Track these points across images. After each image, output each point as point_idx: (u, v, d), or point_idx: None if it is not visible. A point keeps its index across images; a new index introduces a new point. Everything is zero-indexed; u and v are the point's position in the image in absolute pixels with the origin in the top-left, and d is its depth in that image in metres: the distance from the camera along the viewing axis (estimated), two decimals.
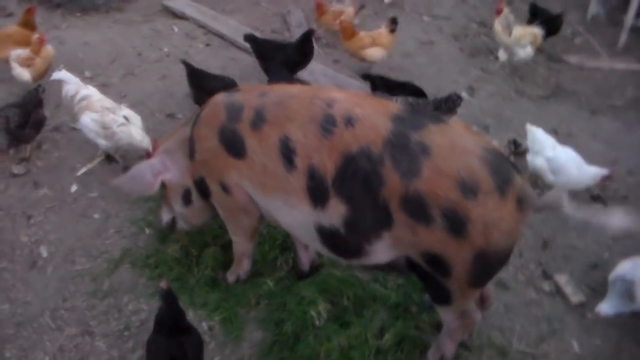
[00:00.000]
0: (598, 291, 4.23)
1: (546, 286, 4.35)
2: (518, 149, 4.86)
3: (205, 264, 4.12)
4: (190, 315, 3.91)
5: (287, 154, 3.08)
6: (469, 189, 2.71)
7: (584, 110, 6.32)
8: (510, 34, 6.81)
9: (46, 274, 4.24)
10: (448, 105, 5.15)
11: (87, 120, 4.86)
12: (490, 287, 3.54)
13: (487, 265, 2.89)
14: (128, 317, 3.95)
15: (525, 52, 6.78)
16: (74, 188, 4.95)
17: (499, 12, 7.00)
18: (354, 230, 3.04)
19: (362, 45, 6.51)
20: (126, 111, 4.99)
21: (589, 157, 5.08)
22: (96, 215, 4.71)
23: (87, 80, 6.27)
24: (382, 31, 6.58)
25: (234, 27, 7.24)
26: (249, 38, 6.15)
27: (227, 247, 4.21)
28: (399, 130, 2.86)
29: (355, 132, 2.92)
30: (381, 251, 3.06)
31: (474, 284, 3.02)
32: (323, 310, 3.77)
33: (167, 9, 7.82)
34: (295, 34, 7.18)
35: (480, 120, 6.06)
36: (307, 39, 5.96)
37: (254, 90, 3.43)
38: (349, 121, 2.94)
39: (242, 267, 4.06)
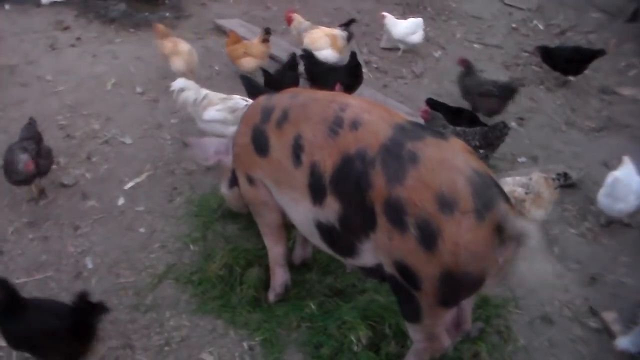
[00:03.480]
0: None
1: (592, 323, 4.24)
2: (568, 181, 4.78)
3: (249, 284, 4.10)
4: (231, 334, 3.93)
5: (297, 151, 3.22)
6: (446, 204, 2.69)
7: (637, 144, 6.18)
8: (302, 39, 6.88)
9: (90, 285, 4.27)
10: (495, 134, 5.09)
11: (213, 113, 5.19)
12: (467, 312, 3.47)
13: (454, 285, 2.84)
14: (169, 333, 3.95)
15: (324, 55, 6.67)
16: (121, 201, 5.01)
17: (289, 21, 7.10)
18: (347, 228, 3.11)
19: (237, 55, 6.73)
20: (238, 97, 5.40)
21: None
22: (142, 230, 4.75)
23: (137, 95, 6.41)
24: (255, 42, 6.74)
25: (284, 48, 7.27)
26: (303, 57, 6.18)
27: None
28: (396, 138, 2.91)
29: (357, 135, 3.01)
30: (368, 253, 3.11)
31: (442, 302, 2.98)
32: (363, 336, 3.71)
33: (219, 28, 7.90)
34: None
35: (529, 151, 5.99)
36: (356, 62, 5.97)
37: (289, 92, 3.59)
38: (354, 125, 3.04)
39: (276, 278, 4.08)
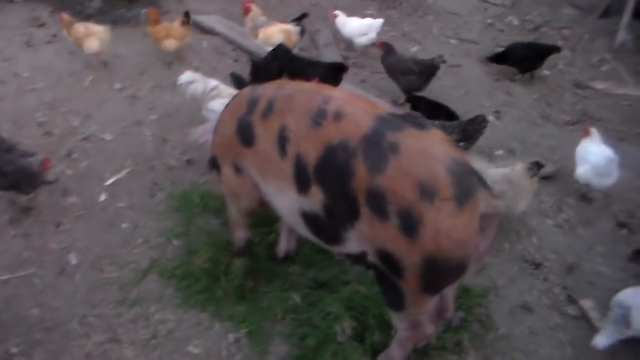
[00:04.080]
0: None
1: (571, 311, 4.33)
2: (541, 170, 4.87)
3: (234, 275, 4.13)
4: (217, 327, 3.96)
5: (282, 141, 3.26)
6: (427, 193, 2.75)
7: (611, 138, 6.26)
8: (257, 34, 6.93)
9: (74, 281, 4.29)
10: (474, 127, 5.16)
11: (218, 105, 5.10)
12: (449, 300, 3.53)
13: (436, 272, 2.90)
14: (155, 326, 3.97)
15: None
16: (102, 197, 5.01)
17: (246, 11, 7.07)
18: (331, 217, 3.16)
19: (158, 37, 6.91)
20: None
21: (616, 184, 5.16)
22: (124, 225, 4.76)
23: (116, 91, 6.39)
24: (175, 24, 6.91)
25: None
26: (279, 50, 6.18)
27: (256, 257, 4.32)
28: (377, 128, 2.97)
29: (340, 126, 3.06)
30: (353, 240, 3.15)
31: (424, 289, 3.03)
32: (347, 326, 3.77)
33: (196, 24, 7.89)
34: (323, 53, 7.24)
35: (506, 144, 6.07)
36: (340, 65, 6.00)
37: (275, 84, 3.63)
38: (337, 116, 3.09)
39: (237, 235, 4.26)
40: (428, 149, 2.88)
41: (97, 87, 6.53)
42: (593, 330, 4.15)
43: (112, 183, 5.19)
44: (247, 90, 3.74)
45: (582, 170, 5.20)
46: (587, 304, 4.33)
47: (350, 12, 8.31)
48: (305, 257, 4.36)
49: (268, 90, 3.52)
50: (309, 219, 3.30)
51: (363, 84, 6.96)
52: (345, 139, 3.00)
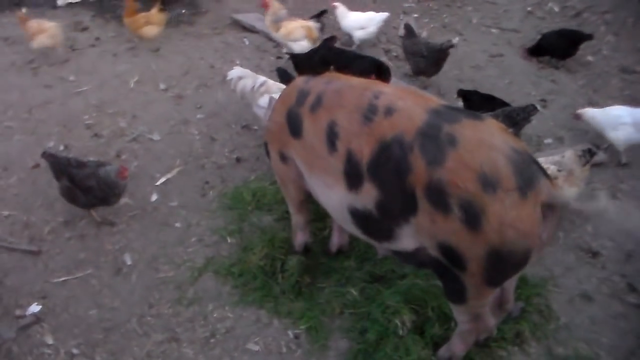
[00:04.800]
0: None
1: (632, 299, 4.25)
2: (593, 157, 4.80)
3: (291, 271, 4.14)
4: (275, 324, 3.96)
5: (332, 137, 3.25)
6: (489, 184, 2.71)
7: None
8: (278, 29, 6.85)
9: (131, 281, 4.33)
10: (522, 115, 5.11)
11: (267, 100, 5.06)
12: (510, 291, 3.49)
13: (500, 263, 2.86)
14: (213, 325, 3.99)
15: (301, 45, 6.71)
16: (154, 197, 5.06)
17: (266, 6, 6.97)
18: (385, 214, 3.13)
19: (138, 25, 7.21)
20: None
21: None
22: (177, 224, 4.79)
23: (161, 91, 6.44)
24: (153, 11, 7.22)
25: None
26: (328, 43, 6.17)
27: (312, 253, 4.35)
28: (432, 121, 2.93)
29: (392, 121, 3.03)
30: (408, 237, 3.12)
31: (488, 282, 2.99)
32: (407, 320, 3.74)
33: (236, 23, 7.92)
34: (362, 48, 7.22)
35: (554, 132, 5.99)
36: (379, 63, 5.96)
37: (325, 77, 3.63)
38: (389, 111, 3.06)
39: (297, 239, 4.32)
40: (487, 139, 2.83)
41: (142, 88, 6.59)
42: None
43: (163, 183, 5.24)
44: (299, 81, 3.75)
45: (622, 133, 5.34)
46: None
47: (388, 5, 8.34)
48: (360, 251, 4.35)
49: (319, 83, 3.52)
50: (359, 216, 3.28)
51: (406, 77, 6.92)
52: (400, 134, 2.97)
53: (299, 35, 6.71)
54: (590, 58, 7.37)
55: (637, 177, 5.39)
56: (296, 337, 3.88)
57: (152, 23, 7.14)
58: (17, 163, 5.45)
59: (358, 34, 7.29)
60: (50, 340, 3.94)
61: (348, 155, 3.17)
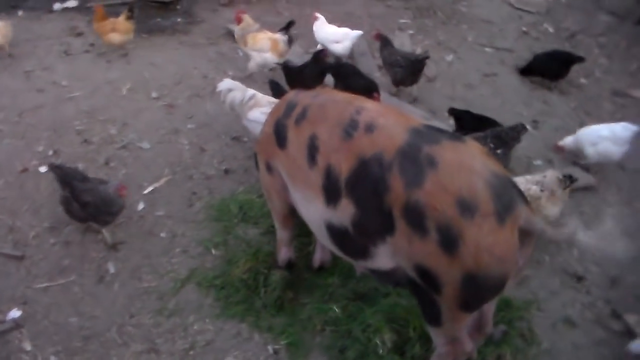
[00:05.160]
0: None
1: (615, 326, 4.24)
2: (573, 183, 4.82)
3: (274, 286, 4.13)
4: (256, 338, 3.96)
5: (312, 150, 3.25)
6: (467, 208, 2.70)
7: None
8: (246, 42, 6.86)
9: (113, 290, 4.32)
10: (511, 134, 5.11)
11: (257, 114, 5.18)
12: (489, 315, 3.47)
13: (476, 288, 2.85)
14: (193, 337, 3.98)
15: (264, 57, 6.75)
16: (141, 206, 5.04)
17: (238, 20, 6.99)
18: (361, 231, 3.12)
19: (104, 31, 7.22)
20: None
21: None
22: (163, 234, 4.78)
23: (153, 100, 6.43)
24: (120, 19, 7.23)
25: (299, 53, 7.29)
26: (319, 55, 6.18)
27: (295, 268, 4.34)
28: (413, 141, 2.92)
29: (373, 138, 3.03)
30: (384, 256, 3.11)
31: (463, 306, 2.98)
32: (388, 339, 3.73)
33: (231, 33, 7.92)
34: (359, 62, 7.21)
35: (544, 154, 5.99)
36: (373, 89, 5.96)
37: (314, 91, 3.68)
38: (370, 128, 3.06)
39: (280, 255, 4.28)
40: (467, 162, 2.83)
41: (134, 95, 6.57)
42: None
43: (151, 192, 5.22)
44: (291, 94, 3.79)
45: (601, 147, 5.43)
46: (631, 318, 4.23)
47: (383, 21, 8.38)
48: (344, 268, 4.33)
49: (306, 97, 3.54)
50: (335, 232, 3.27)
51: (398, 92, 6.90)
52: (379, 152, 2.96)
53: (264, 46, 6.72)
54: (583, 80, 7.39)
55: (625, 202, 5.40)
56: (275, 352, 3.87)
57: (117, 30, 7.17)
58: (5, 167, 5.42)
59: (334, 48, 7.22)
60: (28, 347, 3.94)
61: (327, 169, 3.17)
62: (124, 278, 4.40)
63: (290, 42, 6.90)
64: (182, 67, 7.10)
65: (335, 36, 7.16)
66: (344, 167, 3.09)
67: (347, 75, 5.94)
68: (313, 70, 5.98)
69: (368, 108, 3.20)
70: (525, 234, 2.86)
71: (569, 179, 4.73)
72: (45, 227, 4.82)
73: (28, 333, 4.02)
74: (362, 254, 3.24)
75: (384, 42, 6.70)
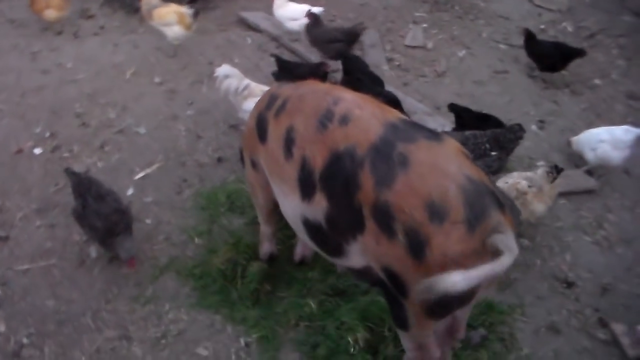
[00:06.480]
0: None
1: (601, 334, 4.11)
2: (559, 174, 4.69)
3: (251, 277, 4.08)
4: (229, 330, 3.91)
5: (289, 143, 3.16)
6: (436, 213, 2.57)
7: None
8: (152, 16, 6.86)
9: (92, 274, 4.31)
10: (509, 136, 4.97)
11: (251, 105, 5.00)
12: (462, 320, 3.31)
13: (442, 297, 2.64)
14: (167, 326, 3.95)
15: (173, 31, 6.81)
16: (130, 191, 5.03)
17: None
18: (334, 228, 3.02)
19: (39, 8, 7.32)
20: None
21: None
22: (148, 221, 4.75)
23: (156, 85, 6.40)
24: None
25: (307, 43, 7.20)
26: (345, 56, 6.17)
27: (276, 260, 4.30)
28: (387, 137, 2.81)
29: (347, 130, 2.92)
30: (356, 254, 3.01)
31: (429, 313, 2.86)
32: (361, 338, 3.65)
33: (242, 20, 7.87)
34: (369, 53, 7.13)
35: (547, 156, 5.83)
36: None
37: (297, 83, 3.55)
38: (344, 119, 2.95)
39: (262, 249, 4.27)
40: (441, 165, 2.70)
41: (137, 80, 6.56)
42: (624, 357, 3.95)
43: (141, 177, 5.20)
44: (275, 86, 3.75)
45: (600, 151, 5.32)
46: (618, 328, 4.10)
47: (399, 14, 8.27)
48: (325, 263, 4.23)
49: (288, 88, 3.45)
50: (310, 227, 3.18)
51: (406, 87, 6.80)
52: (352, 146, 2.86)
53: (171, 20, 6.74)
54: (597, 81, 7.19)
55: (626, 208, 5.24)
56: (247, 345, 3.83)
57: (51, 7, 7.27)
58: (1, 146, 5.43)
59: (290, 25, 7.19)
60: (2, 328, 3.95)
61: (302, 162, 3.08)
62: (104, 263, 4.37)
63: (196, 15, 6.91)
64: (188, 53, 7.06)
65: (293, 13, 7.11)
66: (318, 160, 2.99)
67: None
68: (304, 72, 5.88)
69: (346, 99, 3.09)
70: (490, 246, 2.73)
71: (555, 169, 4.62)
72: (33, 208, 4.82)
73: (4, 314, 4.04)
74: (336, 251, 3.15)
75: (315, 21, 6.69)
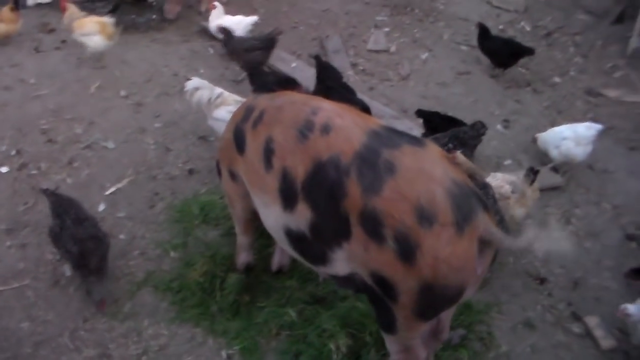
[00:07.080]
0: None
1: (575, 328, 4.21)
2: (535, 176, 4.79)
3: (229, 289, 4.08)
4: (210, 343, 3.91)
5: (268, 154, 3.18)
6: (425, 217, 2.65)
7: (622, 146, 6.14)
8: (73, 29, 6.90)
9: (68, 294, 4.27)
10: (472, 133, 5.06)
11: (223, 113, 5.11)
12: (446, 321, 3.41)
13: (433, 298, 2.81)
14: (147, 342, 3.93)
15: (94, 41, 6.79)
16: (101, 207, 4.98)
17: (63, 9, 7.12)
18: (318, 236, 3.06)
19: None
20: None
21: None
22: (122, 236, 4.72)
23: (122, 98, 6.35)
24: (5, 9, 7.22)
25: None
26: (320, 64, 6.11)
27: (254, 270, 4.31)
28: (371, 145, 2.86)
29: (329, 140, 2.96)
30: (341, 262, 3.05)
31: (419, 315, 2.93)
32: (343, 344, 3.69)
33: (205, 30, 7.84)
34: (332, 59, 7.15)
35: (514, 154, 5.94)
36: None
37: (274, 94, 3.61)
38: (326, 129, 2.99)
39: (239, 259, 4.27)
40: (427, 169, 2.78)
41: (102, 94, 6.48)
42: (598, 349, 4.05)
43: (113, 192, 5.16)
44: (251, 98, 3.78)
45: (564, 148, 5.44)
46: (592, 321, 4.21)
47: (360, 18, 8.31)
48: (303, 271, 4.28)
49: (264, 100, 3.48)
50: (293, 236, 3.21)
51: (371, 91, 6.86)
52: (336, 155, 2.90)
53: (91, 30, 6.74)
54: (557, 79, 7.34)
55: (592, 202, 5.37)
56: (229, 357, 3.84)
57: (2, 20, 7.21)
58: None
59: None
60: None
61: (283, 173, 3.10)
62: (80, 282, 4.31)
63: (117, 24, 6.94)
64: (153, 65, 7.01)
65: (229, 24, 7.10)
66: (300, 170, 3.02)
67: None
68: (274, 80, 5.91)
69: (324, 108, 3.13)
70: (485, 243, 2.81)
71: (532, 172, 4.71)
72: (3, 229, 4.75)
73: None
74: (320, 260, 3.18)
75: (228, 35, 6.72)
